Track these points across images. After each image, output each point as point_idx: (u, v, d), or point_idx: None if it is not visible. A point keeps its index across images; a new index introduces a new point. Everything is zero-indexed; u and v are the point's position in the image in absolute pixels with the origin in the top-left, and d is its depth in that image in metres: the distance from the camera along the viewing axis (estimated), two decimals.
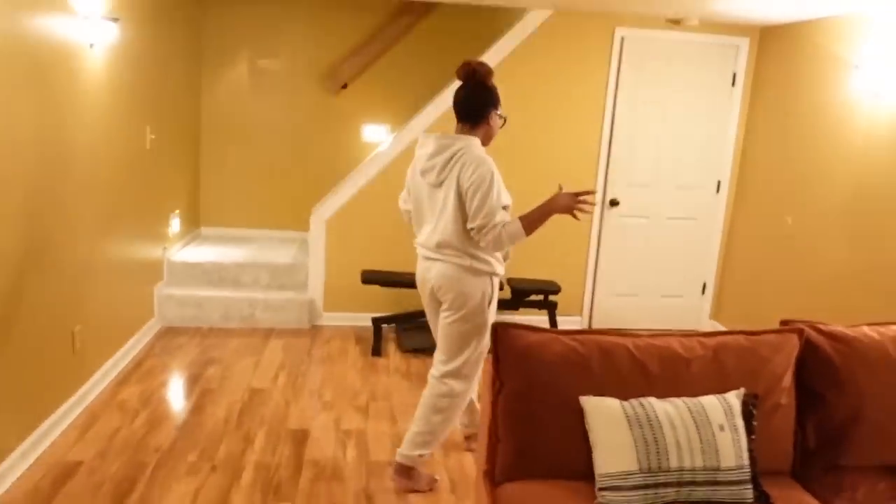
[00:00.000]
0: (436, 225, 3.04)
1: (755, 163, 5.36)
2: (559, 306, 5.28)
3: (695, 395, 2.31)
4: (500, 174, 2.97)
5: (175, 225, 5.49)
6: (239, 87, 6.16)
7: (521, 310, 5.21)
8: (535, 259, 5.31)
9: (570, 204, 2.98)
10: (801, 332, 2.50)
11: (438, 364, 3.16)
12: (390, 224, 5.31)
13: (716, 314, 5.77)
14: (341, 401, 4.08)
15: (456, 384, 3.12)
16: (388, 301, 5.40)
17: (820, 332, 2.53)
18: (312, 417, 3.84)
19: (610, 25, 5.26)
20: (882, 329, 2.57)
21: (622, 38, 5.29)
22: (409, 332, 5.19)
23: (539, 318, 5.31)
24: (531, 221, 2.95)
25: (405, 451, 3.16)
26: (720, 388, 2.34)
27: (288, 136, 6.27)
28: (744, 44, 5.39)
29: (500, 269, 3.13)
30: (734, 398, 2.29)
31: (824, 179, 4.54)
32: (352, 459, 3.42)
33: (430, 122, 5.21)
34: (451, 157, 2.97)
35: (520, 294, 5.08)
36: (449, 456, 3.50)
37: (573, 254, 5.56)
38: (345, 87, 6.19)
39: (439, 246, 3.02)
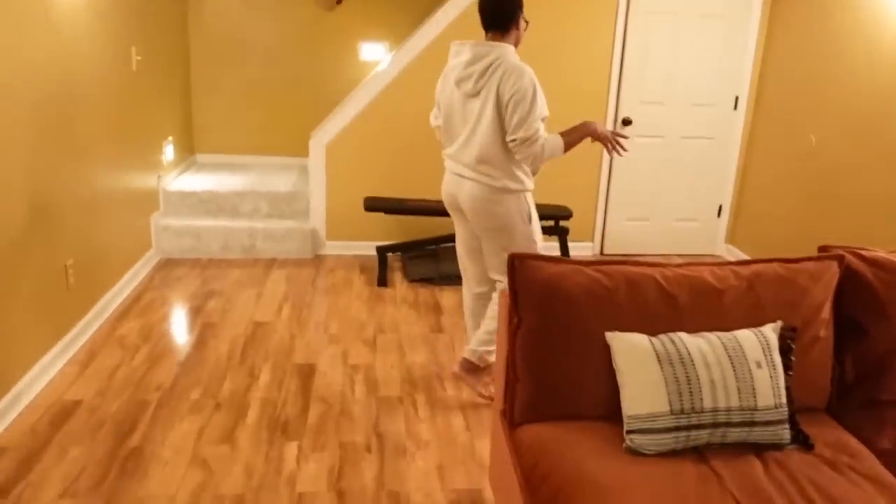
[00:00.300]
0: (470, 137, 2.96)
1: (776, 76, 5.08)
2: (569, 232, 5.09)
3: (728, 328, 2.15)
4: None
5: (169, 152, 5.26)
6: (227, 4, 5.82)
7: None
8: (544, 183, 5.09)
9: (606, 133, 2.99)
10: (841, 259, 2.32)
11: (500, 284, 3.18)
12: (393, 148, 5.08)
13: (731, 238, 5.59)
14: (348, 333, 3.95)
15: None
16: (394, 228, 5.22)
17: (862, 258, 2.35)
18: (318, 351, 3.72)
19: None
20: None
21: None
22: (415, 260, 5.03)
23: (549, 245, 5.14)
24: (571, 140, 2.93)
25: (474, 347, 3.20)
26: (756, 321, 2.18)
27: (281, 56, 5.96)
28: None
29: (531, 184, 3.06)
30: (771, 332, 2.13)
31: (852, 93, 4.28)
32: (360, 395, 3.31)
33: (431, 39, 4.92)
34: (490, 66, 2.87)
35: None
36: (461, 390, 3.38)
37: (584, 177, 5.34)
38: (340, 2, 5.85)
39: (478, 161, 2.95)
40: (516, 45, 2.98)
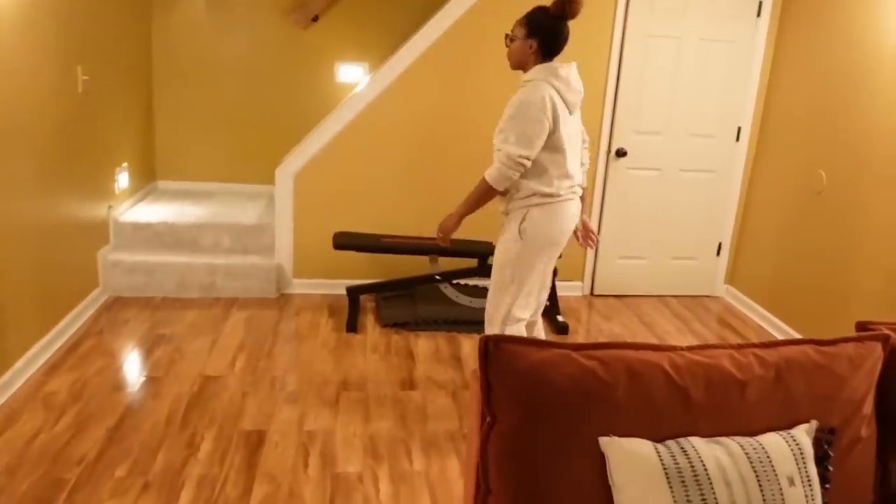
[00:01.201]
0: (575, 154, 3.07)
1: (782, 107, 4.71)
2: (557, 272, 4.68)
3: (752, 431, 1.74)
4: (493, 119, 3.12)
5: (123, 180, 4.83)
6: (195, 20, 5.41)
7: None
8: None
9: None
10: (885, 340, 1.91)
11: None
12: (369, 178, 4.68)
13: (731, 278, 5.19)
14: (308, 391, 3.51)
15: None
16: (368, 266, 4.79)
17: None
18: (272, 415, 3.27)
19: None
20: None
21: None
22: (389, 302, 4.60)
23: None
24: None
25: None
26: (785, 421, 1.77)
27: (253, 77, 5.55)
28: None
29: None
30: (805, 436, 1.72)
31: (866, 127, 3.91)
32: (314, 471, 2.86)
33: (412, 59, 4.53)
34: None
35: None
36: (430, 461, 2.95)
37: None
38: (315, 19, 5.46)
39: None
40: None
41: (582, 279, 5.07)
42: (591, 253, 5.00)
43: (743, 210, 5.07)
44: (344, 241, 4.31)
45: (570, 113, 2.99)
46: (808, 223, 4.38)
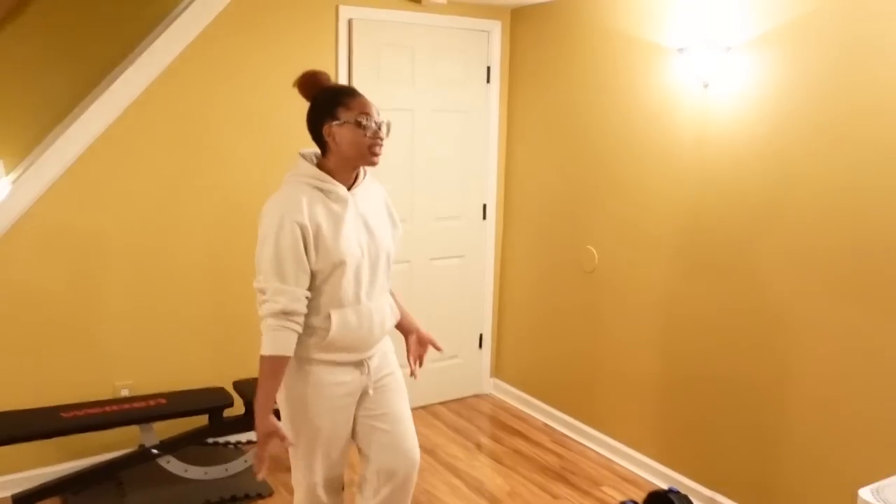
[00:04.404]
0: None
1: (527, 178, 4.29)
2: None
3: None
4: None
5: None
6: None
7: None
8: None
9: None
10: None
11: None
12: (31, 325, 3.25)
13: (497, 371, 4.63)
14: None
15: None
16: (44, 451, 3.31)
17: None
18: None
19: (332, 1, 3.78)
20: None
21: (350, 21, 3.83)
22: (86, 501, 3.18)
23: None
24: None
25: None
26: None
27: None
28: (495, 28, 4.28)
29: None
30: None
31: (630, 196, 3.59)
32: None
33: (78, 152, 3.26)
34: None
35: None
36: None
37: None
38: None
39: None
40: (338, 160, 2.22)
41: None
42: None
43: (500, 294, 4.55)
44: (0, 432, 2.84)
45: None
46: (578, 303, 3.95)
